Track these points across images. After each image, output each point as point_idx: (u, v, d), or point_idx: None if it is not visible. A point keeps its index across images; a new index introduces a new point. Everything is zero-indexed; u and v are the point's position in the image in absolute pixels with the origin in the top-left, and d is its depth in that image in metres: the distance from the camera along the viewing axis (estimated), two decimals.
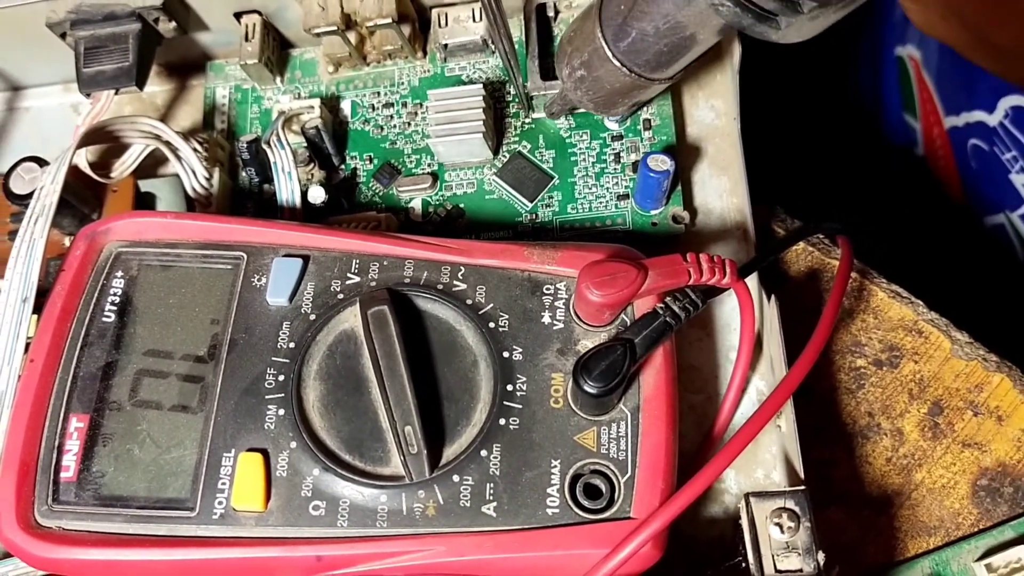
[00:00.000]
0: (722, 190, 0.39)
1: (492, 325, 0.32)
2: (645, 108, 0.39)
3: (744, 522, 0.29)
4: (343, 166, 0.40)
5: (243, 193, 0.40)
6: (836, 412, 0.36)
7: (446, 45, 0.41)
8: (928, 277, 0.40)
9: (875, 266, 0.39)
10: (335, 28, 0.39)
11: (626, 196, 0.38)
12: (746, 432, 0.29)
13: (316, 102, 0.40)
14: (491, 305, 0.33)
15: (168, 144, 0.39)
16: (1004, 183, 0.52)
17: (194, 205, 0.40)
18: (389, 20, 0.39)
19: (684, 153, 0.39)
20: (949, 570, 0.33)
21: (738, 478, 0.35)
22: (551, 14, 0.40)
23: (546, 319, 0.33)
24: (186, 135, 0.39)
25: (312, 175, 0.40)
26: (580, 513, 0.30)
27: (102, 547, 0.30)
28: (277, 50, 0.42)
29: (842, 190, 0.63)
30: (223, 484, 0.30)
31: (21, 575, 0.32)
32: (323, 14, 0.39)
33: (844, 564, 0.34)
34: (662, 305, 0.31)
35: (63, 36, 0.40)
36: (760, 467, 0.35)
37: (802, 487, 0.30)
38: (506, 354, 0.32)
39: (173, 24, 0.40)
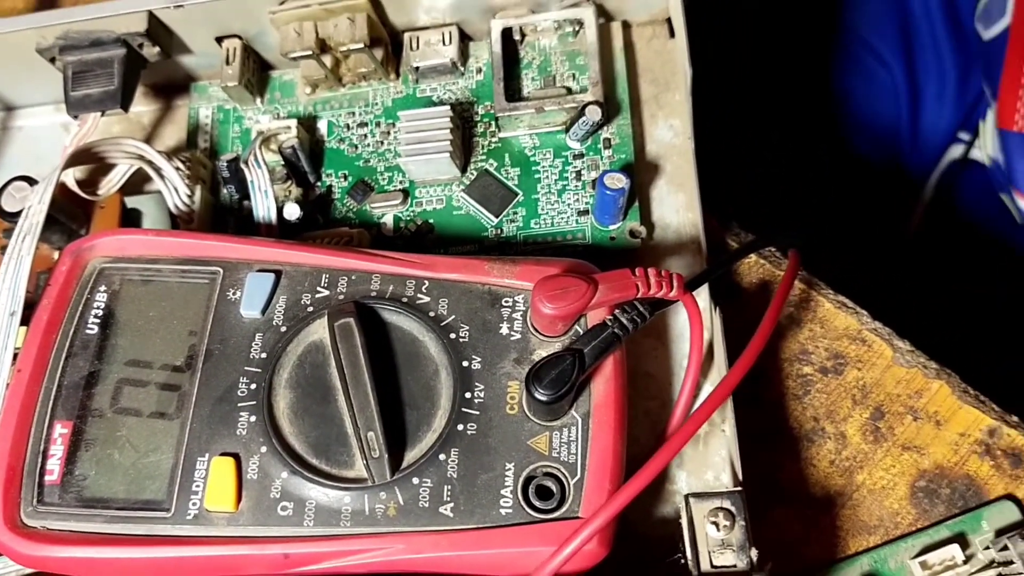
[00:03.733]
0: (679, 206, 0.41)
1: (453, 336, 0.34)
2: (605, 128, 0.41)
3: (684, 521, 0.31)
4: (319, 183, 0.42)
5: (224, 209, 0.42)
6: (784, 417, 0.38)
7: (417, 67, 0.43)
8: (876, 290, 0.42)
9: (826, 278, 0.41)
10: (310, 52, 0.41)
11: (586, 212, 0.40)
12: (680, 435, 0.31)
13: (293, 122, 0.42)
14: (452, 317, 0.35)
15: (151, 164, 0.41)
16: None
17: (177, 221, 0.42)
18: (361, 45, 0.41)
19: (643, 170, 0.41)
20: (887, 567, 0.35)
21: (689, 480, 0.37)
22: (517, 38, 0.42)
23: (504, 330, 0.34)
24: (169, 154, 0.41)
25: (289, 192, 0.42)
26: (532, 513, 0.32)
27: (84, 545, 0.32)
28: (257, 72, 0.44)
29: (805, 206, 0.65)
30: (197, 486, 0.32)
31: (9, 574, 0.34)
32: (299, 39, 0.41)
33: (788, 561, 0.36)
34: (611, 317, 0.33)
35: (52, 60, 0.42)
36: (710, 470, 0.37)
37: (738, 488, 0.31)
38: (466, 363, 0.34)
39: (157, 49, 0.42)
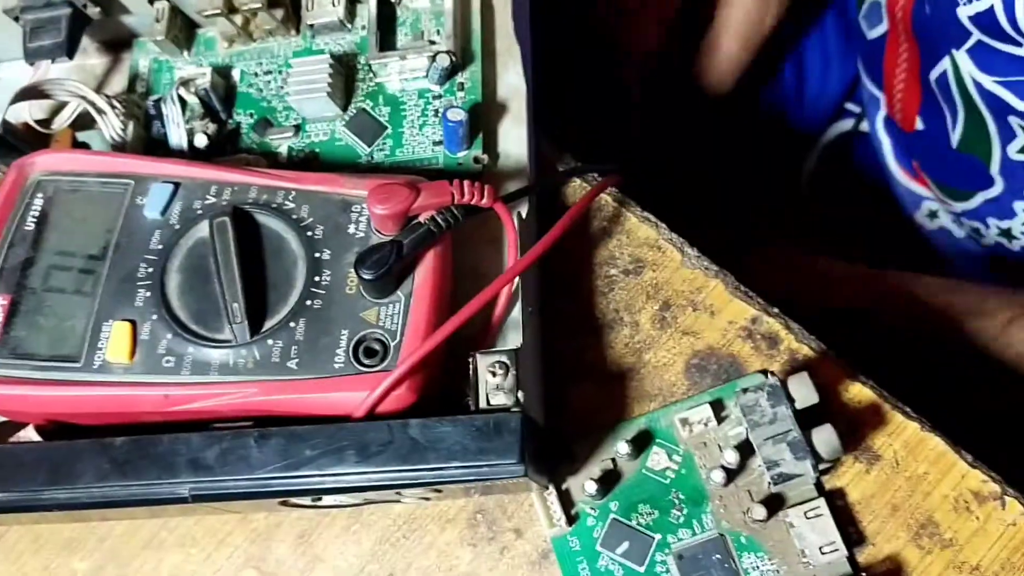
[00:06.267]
0: (518, 139, 0.49)
1: (310, 234, 0.43)
2: (460, 74, 0.49)
3: (471, 371, 0.40)
4: (230, 120, 0.51)
5: (154, 141, 0.52)
6: (592, 310, 0.46)
7: (312, 25, 0.52)
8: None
9: (645, 202, 0.49)
10: (219, 11, 0.50)
11: (440, 143, 0.48)
12: (466, 308, 0.39)
13: (208, 69, 0.51)
14: (311, 219, 0.43)
15: (92, 103, 0.50)
16: None
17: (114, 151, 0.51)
18: (260, 5, 0.50)
19: (492, 109, 0.50)
20: (659, 424, 0.44)
21: None
22: (395, 0, 0.51)
23: (351, 230, 0.43)
24: (109, 97, 0.51)
25: (207, 127, 0.51)
26: (359, 367, 0.40)
27: (17, 386, 0.41)
28: (185, 29, 0.53)
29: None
30: (102, 344, 0.41)
31: None
32: (210, 0, 0.50)
33: (589, 424, 0.44)
34: (429, 217, 0.42)
35: (16, 19, 0.51)
36: None
37: (515, 348, 0.40)
38: (318, 255, 0.43)
39: (98, 9, 0.51)
